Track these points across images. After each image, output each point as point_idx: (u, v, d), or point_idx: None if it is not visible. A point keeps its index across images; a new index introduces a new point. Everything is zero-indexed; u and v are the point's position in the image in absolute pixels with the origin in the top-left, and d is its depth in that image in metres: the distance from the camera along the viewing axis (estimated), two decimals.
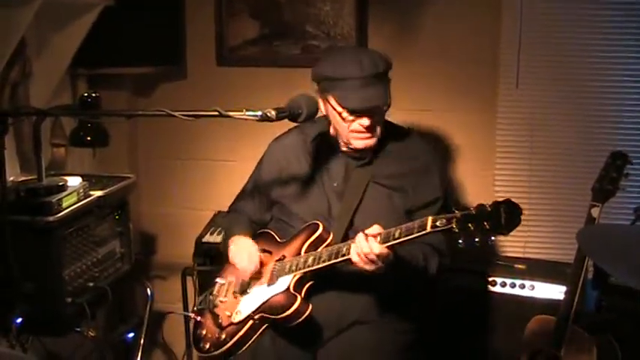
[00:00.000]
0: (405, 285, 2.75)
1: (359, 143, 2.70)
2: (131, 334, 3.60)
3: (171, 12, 3.81)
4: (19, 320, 2.66)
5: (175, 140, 4.02)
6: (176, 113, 2.38)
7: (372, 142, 2.71)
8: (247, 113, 2.39)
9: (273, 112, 2.42)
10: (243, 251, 2.78)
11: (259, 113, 2.40)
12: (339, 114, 2.67)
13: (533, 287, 3.27)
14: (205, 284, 3.02)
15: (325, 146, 2.85)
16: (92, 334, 3.17)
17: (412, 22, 3.74)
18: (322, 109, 2.70)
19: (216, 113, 2.38)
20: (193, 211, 4.06)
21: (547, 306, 3.12)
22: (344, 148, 2.80)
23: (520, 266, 3.43)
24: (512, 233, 3.66)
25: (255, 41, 3.86)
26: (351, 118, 2.65)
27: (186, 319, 3.74)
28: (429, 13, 3.71)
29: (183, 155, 4.07)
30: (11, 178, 3.01)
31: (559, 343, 2.90)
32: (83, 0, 3.28)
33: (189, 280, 3.70)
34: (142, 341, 3.52)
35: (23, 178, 3.05)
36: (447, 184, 2.89)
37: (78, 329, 3.07)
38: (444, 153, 3.79)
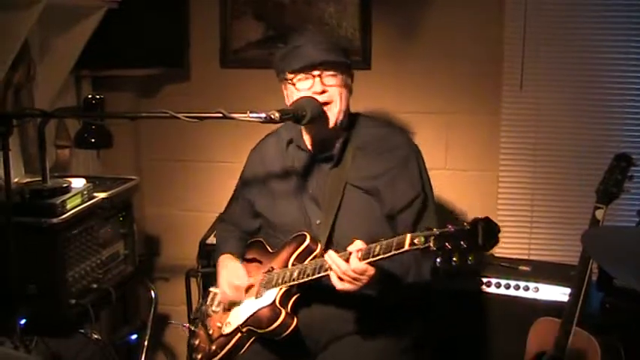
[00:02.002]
0: (397, 297, 2.66)
1: None
2: (134, 336, 3.60)
3: (175, 14, 3.81)
4: (22, 321, 2.66)
5: (179, 142, 4.02)
6: (180, 115, 2.38)
7: (332, 117, 2.63)
8: (251, 115, 2.39)
9: (277, 114, 2.43)
10: (232, 277, 2.78)
11: (263, 115, 2.40)
12: (294, 85, 2.64)
13: (537, 289, 3.26)
14: (209, 286, 3.02)
15: (299, 153, 2.80)
16: (96, 336, 3.17)
17: (415, 24, 3.74)
18: (286, 99, 2.69)
19: (220, 115, 2.38)
20: (197, 213, 4.06)
21: (552, 308, 3.10)
22: (310, 146, 2.77)
23: (524, 268, 3.42)
24: (516, 235, 3.74)
25: (259, 43, 3.86)
26: (304, 85, 2.62)
27: (189, 321, 3.74)
28: (432, 14, 3.72)
29: (187, 157, 4.08)
30: (16, 180, 3.02)
31: (563, 344, 2.89)
32: (87, 2, 3.28)
33: (193, 282, 3.70)
34: (145, 343, 3.52)
35: (28, 180, 3.05)
36: (428, 178, 2.78)
37: (81, 331, 3.07)
38: (447, 154, 3.79)
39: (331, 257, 2.41)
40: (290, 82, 2.65)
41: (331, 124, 2.63)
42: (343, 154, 2.71)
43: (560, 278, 3.24)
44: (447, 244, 2.15)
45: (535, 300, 3.25)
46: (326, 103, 2.61)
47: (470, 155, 3.81)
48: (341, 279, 2.38)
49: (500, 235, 2.15)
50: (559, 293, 3.19)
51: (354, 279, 2.36)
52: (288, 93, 2.69)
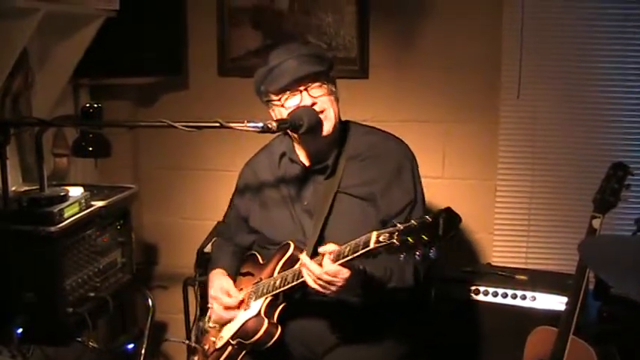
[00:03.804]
0: (382, 301, 2.65)
1: None
2: (132, 345, 3.59)
3: (173, 23, 3.82)
4: (20, 330, 2.66)
5: (177, 150, 4.03)
6: (178, 124, 2.38)
7: (328, 124, 2.59)
8: (249, 124, 2.40)
9: (275, 124, 2.44)
10: (220, 296, 2.77)
11: (261, 124, 2.41)
12: (281, 105, 2.59)
13: (534, 298, 3.26)
14: (206, 295, 3.02)
15: (292, 166, 2.77)
16: (93, 345, 3.17)
17: (413, 33, 3.75)
18: (274, 118, 2.63)
19: (218, 124, 2.38)
20: (195, 221, 4.06)
21: (548, 317, 3.10)
22: (305, 161, 2.74)
23: (521, 277, 3.42)
24: (513, 244, 3.74)
25: (257, 52, 3.87)
26: (292, 102, 2.57)
27: (187, 330, 3.75)
28: (430, 23, 3.73)
29: (185, 165, 4.08)
30: (13, 188, 3.01)
31: (560, 354, 2.89)
32: (85, 11, 3.29)
33: (191, 290, 3.70)
34: (143, 351, 3.52)
35: (25, 188, 3.05)
36: (421, 184, 2.74)
37: (79, 339, 3.07)
38: (444, 163, 3.80)
39: (304, 261, 2.41)
40: (277, 102, 2.61)
41: (327, 132, 2.60)
42: (337, 164, 2.69)
43: (557, 287, 3.24)
44: (409, 238, 2.13)
45: (532, 309, 3.25)
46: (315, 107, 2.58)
47: (467, 164, 3.82)
48: (316, 282, 2.38)
49: (460, 225, 2.15)
50: (556, 302, 3.19)
51: (328, 282, 2.36)
52: (276, 114, 2.64)
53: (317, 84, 2.59)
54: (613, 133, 3.67)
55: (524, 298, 3.28)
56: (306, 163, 2.74)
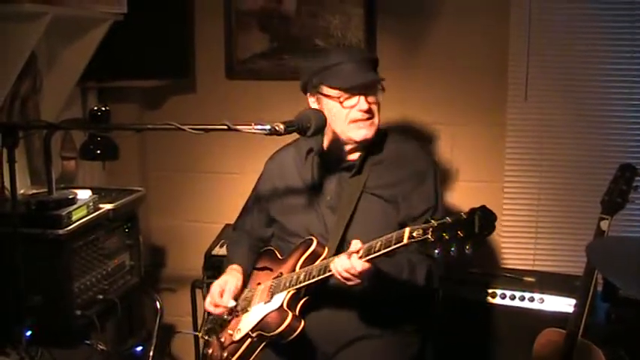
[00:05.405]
0: (399, 297, 2.70)
1: (359, 134, 2.69)
2: (140, 348, 3.60)
3: (180, 25, 3.83)
4: (28, 333, 2.67)
5: (184, 153, 4.04)
6: (185, 127, 2.38)
7: (371, 130, 2.71)
8: (256, 127, 2.40)
9: (282, 126, 2.43)
10: (215, 294, 2.79)
11: (268, 127, 2.40)
12: (339, 102, 2.67)
13: (542, 300, 3.25)
14: None
15: (319, 161, 2.84)
16: (101, 347, 3.17)
17: (420, 35, 3.75)
18: (319, 107, 2.70)
19: (225, 127, 2.38)
20: (202, 224, 4.07)
21: (557, 319, 3.10)
22: (332, 159, 2.80)
23: (529, 279, 3.41)
24: (521, 245, 3.73)
25: (264, 54, 3.88)
26: (350, 103, 2.66)
27: (195, 331, 3.75)
28: (437, 25, 3.72)
29: (193, 168, 4.09)
30: (22, 191, 3.03)
31: (569, 356, 2.89)
32: (93, 14, 3.30)
33: (199, 293, 3.71)
34: (151, 354, 3.53)
35: (34, 191, 3.06)
36: (441, 193, 2.84)
37: (87, 342, 3.07)
38: (452, 165, 3.79)
39: (336, 263, 2.46)
40: (333, 99, 2.68)
41: (366, 136, 2.70)
42: (364, 164, 2.76)
43: (565, 289, 3.23)
44: (444, 234, 2.17)
45: (540, 311, 3.24)
46: (368, 118, 2.69)
47: (475, 166, 3.81)
48: (340, 275, 2.43)
49: (506, 232, 2.18)
50: (564, 304, 3.19)
51: (353, 275, 2.40)
52: (324, 107, 2.69)
53: (374, 90, 2.69)
54: (621, 135, 3.65)
55: (532, 300, 3.27)
56: (333, 160, 2.81)
